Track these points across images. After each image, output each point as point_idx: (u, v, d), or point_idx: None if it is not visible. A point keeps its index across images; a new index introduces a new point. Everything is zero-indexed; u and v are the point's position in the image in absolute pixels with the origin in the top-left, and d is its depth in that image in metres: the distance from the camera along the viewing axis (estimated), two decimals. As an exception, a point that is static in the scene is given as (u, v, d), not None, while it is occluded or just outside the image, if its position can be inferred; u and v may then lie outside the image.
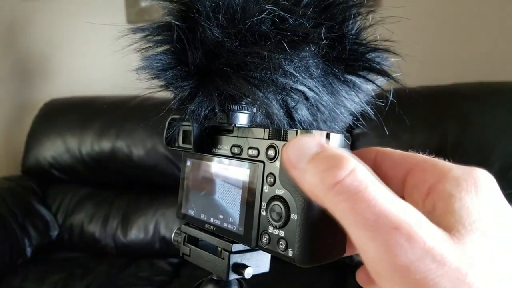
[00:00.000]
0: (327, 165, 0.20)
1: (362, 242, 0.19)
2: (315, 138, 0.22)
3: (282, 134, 0.27)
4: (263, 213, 0.28)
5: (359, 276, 0.26)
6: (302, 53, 0.29)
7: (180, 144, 0.35)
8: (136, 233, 1.39)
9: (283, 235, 0.26)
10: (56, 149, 1.49)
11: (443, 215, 0.19)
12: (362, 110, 0.37)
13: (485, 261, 0.18)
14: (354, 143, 1.29)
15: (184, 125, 0.35)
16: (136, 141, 1.43)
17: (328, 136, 0.26)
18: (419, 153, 0.25)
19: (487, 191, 0.20)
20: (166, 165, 1.41)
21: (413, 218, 0.18)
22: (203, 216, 0.33)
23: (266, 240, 0.27)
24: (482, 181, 0.21)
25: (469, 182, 0.20)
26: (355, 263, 1.25)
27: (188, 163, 0.35)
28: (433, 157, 0.24)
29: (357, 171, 0.19)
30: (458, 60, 1.39)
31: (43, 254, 1.38)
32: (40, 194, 1.50)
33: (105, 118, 1.48)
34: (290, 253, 0.26)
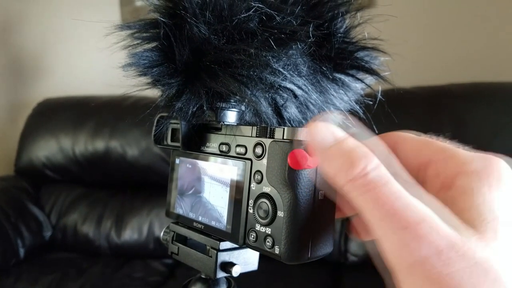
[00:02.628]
0: (354, 156, 0.21)
1: (380, 233, 0.19)
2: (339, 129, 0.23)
3: (269, 131, 0.27)
4: (251, 211, 0.28)
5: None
6: (290, 51, 0.29)
7: (169, 142, 0.35)
8: (130, 233, 1.39)
9: (270, 232, 0.26)
10: (49, 149, 1.49)
11: (465, 210, 0.19)
12: (351, 109, 0.37)
13: (510, 255, 0.18)
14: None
15: (173, 123, 0.34)
16: (130, 141, 1.42)
17: (314, 134, 0.26)
18: (439, 138, 0.25)
19: (510, 185, 0.20)
20: (160, 165, 1.41)
21: (433, 213, 0.18)
22: (191, 215, 0.33)
23: (254, 238, 0.27)
24: (504, 174, 0.21)
25: (490, 175, 0.20)
26: (350, 263, 1.25)
27: (177, 161, 0.35)
28: (453, 144, 0.24)
29: (381, 166, 0.20)
30: (452, 60, 1.39)
31: (36, 255, 1.37)
32: (34, 194, 1.49)
33: (99, 118, 1.48)
34: (277, 250, 0.26)
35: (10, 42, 1.81)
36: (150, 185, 1.46)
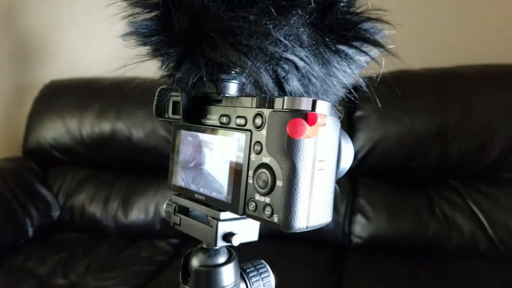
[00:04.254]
0: None
1: None
2: None
3: (268, 101, 0.27)
4: (250, 181, 0.28)
5: None
6: (291, 19, 0.29)
7: (170, 115, 0.35)
8: (136, 214, 1.41)
9: (268, 201, 0.26)
10: (56, 130, 1.50)
11: None
12: (354, 83, 0.36)
13: None
14: (354, 125, 1.28)
15: (174, 96, 0.34)
16: (136, 122, 1.43)
17: (314, 103, 0.26)
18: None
19: None
20: (166, 147, 1.41)
21: None
22: (193, 186, 0.33)
23: (253, 208, 0.28)
24: None
25: None
26: (353, 245, 1.26)
27: (178, 134, 0.35)
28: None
29: None
30: (462, 42, 1.37)
31: (45, 234, 1.40)
32: (41, 175, 1.51)
33: (105, 100, 1.48)
34: (275, 218, 0.26)
35: (16, 24, 1.81)
36: (156, 166, 1.47)
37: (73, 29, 1.74)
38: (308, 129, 0.24)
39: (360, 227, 1.26)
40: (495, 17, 1.35)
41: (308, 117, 0.25)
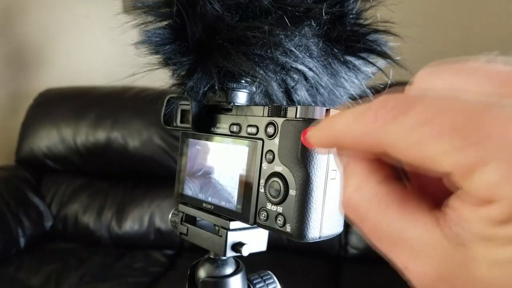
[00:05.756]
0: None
1: None
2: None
3: (282, 110, 0.27)
4: (262, 190, 0.28)
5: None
6: (303, 30, 0.29)
7: (178, 123, 0.35)
8: (131, 224, 1.39)
9: (281, 211, 0.26)
10: (50, 139, 1.48)
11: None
12: (361, 93, 0.37)
13: None
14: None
15: (183, 104, 0.34)
16: (132, 131, 1.42)
17: (327, 112, 0.26)
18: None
19: None
20: (162, 157, 1.41)
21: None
22: (200, 196, 0.33)
23: (264, 217, 0.27)
24: None
25: None
26: (350, 256, 1.26)
27: (186, 142, 0.35)
28: None
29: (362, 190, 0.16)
30: (461, 52, 1.38)
31: (37, 245, 1.37)
32: (34, 184, 1.49)
33: (101, 109, 1.47)
34: (288, 228, 0.26)
35: (12, 32, 1.80)
36: (151, 176, 1.46)
37: (69, 37, 1.74)
38: None
39: (357, 238, 1.26)
40: (498, 31, 1.38)
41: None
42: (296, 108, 0.26)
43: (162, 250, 1.35)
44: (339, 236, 1.27)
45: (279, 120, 0.27)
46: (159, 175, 1.44)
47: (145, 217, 1.39)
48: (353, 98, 0.37)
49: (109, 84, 1.55)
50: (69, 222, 1.43)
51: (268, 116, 0.28)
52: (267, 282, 0.35)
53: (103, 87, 1.55)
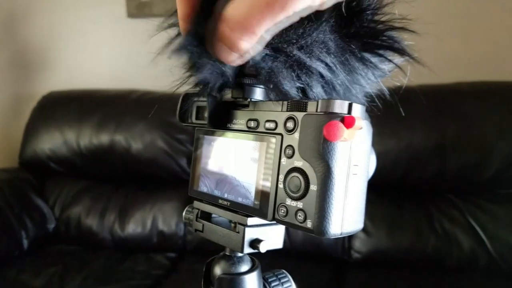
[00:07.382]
0: None
1: None
2: None
3: (302, 105, 0.27)
4: (280, 186, 0.28)
5: None
6: (321, 26, 0.29)
7: (194, 120, 0.35)
8: (133, 227, 1.39)
9: (301, 206, 0.26)
10: (54, 141, 1.48)
11: None
12: (377, 91, 0.37)
13: None
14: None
15: (198, 101, 0.34)
16: (135, 134, 1.42)
17: (350, 106, 0.26)
18: None
19: None
20: (165, 159, 1.41)
21: None
22: (216, 192, 0.33)
23: (284, 213, 0.27)
24: None
25: None
26: (353, 260, 1.25)
27: (201, 139, 0.35)
28: None
29: None
30: (460, 59, 1.39)
31: (40, 247, 1.37)
32: (38, 187, 1.48)
33: (104, 112, 1.47)
34: (309, 224, 0.25)
35: (16, 34, 1.80)
36: (154, 179, 1.46)
37: (73, 41, 1.75)
38: (345, 132, 0.24)
39: (360, 242, 1.25)
40: (494, 35, 1.38)
41: (345, 119, 0.24)
42: (317, 102, 0.26)
43: (164, 253, 1.35)
44: (342, 240, 1.26)
45: (299, 115, 0.27)
46: (162, 178, 1.43)
47: (147, 220, 1.38)
48: (367, 96, 0.36)
49: (113, 87, 1.56)
50: (72, 225, 1.43)
51: (287, 111, 0.28)
52: (282, 281, 0.35)
53: (106, 90, 1.55)
